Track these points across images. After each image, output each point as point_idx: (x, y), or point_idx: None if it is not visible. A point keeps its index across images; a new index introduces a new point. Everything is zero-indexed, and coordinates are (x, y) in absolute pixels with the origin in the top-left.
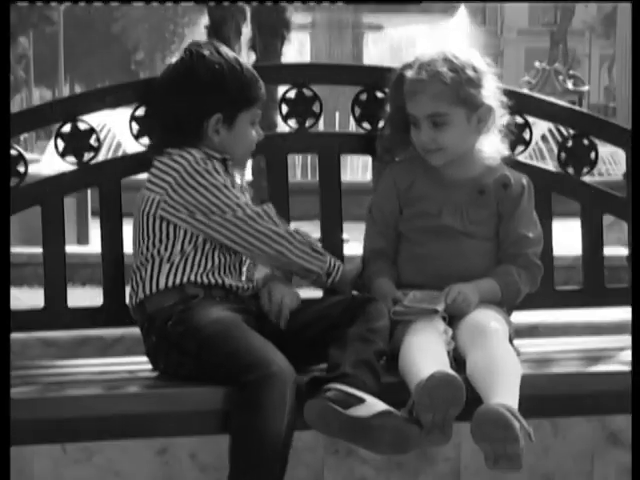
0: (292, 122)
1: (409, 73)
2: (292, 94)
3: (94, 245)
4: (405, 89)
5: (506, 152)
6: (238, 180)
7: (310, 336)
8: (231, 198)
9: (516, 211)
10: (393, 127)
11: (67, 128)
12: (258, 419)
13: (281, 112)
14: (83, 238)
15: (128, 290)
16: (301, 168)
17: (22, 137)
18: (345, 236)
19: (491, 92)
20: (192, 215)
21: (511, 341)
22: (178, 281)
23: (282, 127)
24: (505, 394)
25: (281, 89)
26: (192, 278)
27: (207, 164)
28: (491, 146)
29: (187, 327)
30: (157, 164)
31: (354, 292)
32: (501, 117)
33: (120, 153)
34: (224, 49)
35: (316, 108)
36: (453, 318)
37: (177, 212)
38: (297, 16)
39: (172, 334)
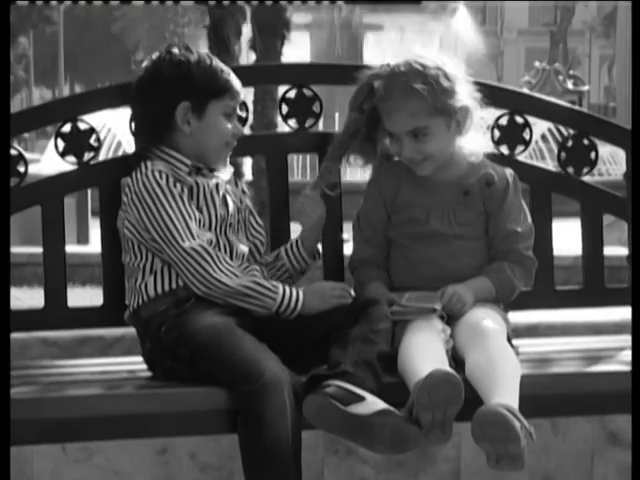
0: (292, 122)
1: (378, 85)
2: (292, 94)
3: (94, 245)
4: (380, 106)
5: (489, 147)
6: (218, 180)
7: (312, 338)
8: (169, 226)
9: (503, 207)
10: (364, 134)
11: (67, 128)
12: (263, 431)
13: (281, 112)
14: (83, 238)
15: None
16: (301, 168)
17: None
18: (345, 236)
19: (466, 93)
20: (143, 236)
21: (509, 340)
22: (167, 287)
23: (282, 127)
24: (505, 394)
25: (281, 89)
26: (180, 282)
27: (157, 178)
28: (472, 143)
29: (180, 333)
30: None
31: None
32: (479, 114)
33: (120, 153)
34: (195, 48)
35: (316, 108)
36: (450, 318)
37: (135, 230)
38: (297, 16)
39: (166, 340)
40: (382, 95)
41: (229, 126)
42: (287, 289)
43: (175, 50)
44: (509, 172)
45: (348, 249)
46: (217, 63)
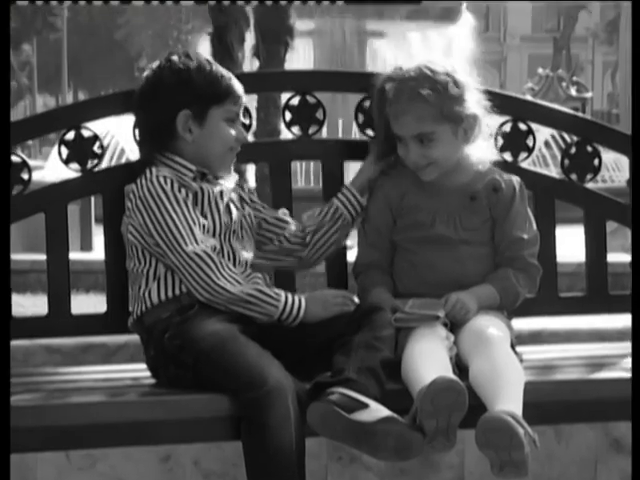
0: (295, 129)
1: (389, 87)
2: (295, 101)
3: (98, 252)
4: (388, 109)
5: (495, 156)
6: (222, 187)
7: (316, 345)
8: (173, 231)
9: (509, 214)
10: (382, 136)
11: (71, 135)
12: (266, 438)
13: (284, 119)
14: (86, 245)
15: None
16: (304, 175)
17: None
18: (348, 243)
19: (474, 102)
20: (146, 240)
21: (513, 347)
22: (171, 294)
23: (285, 134)
24: (509, 401)
25: (284, 96)
26: (184, 289)
27: (162, 183)
28: (479, 151)
29: (184, 340)
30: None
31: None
32: (487, 122)
33: (123, 160)
34: (195, 54)
35: (319, 115)
36: (454, 325)
37: (139, 235)
38: (300, 23)
39: (169, 347)
40: (391, 98)
41: (232, 131)
42: (289, 296)
43: (175, 58)
44: (516, 179)
45: (352, 256)
46: (217, 68)
